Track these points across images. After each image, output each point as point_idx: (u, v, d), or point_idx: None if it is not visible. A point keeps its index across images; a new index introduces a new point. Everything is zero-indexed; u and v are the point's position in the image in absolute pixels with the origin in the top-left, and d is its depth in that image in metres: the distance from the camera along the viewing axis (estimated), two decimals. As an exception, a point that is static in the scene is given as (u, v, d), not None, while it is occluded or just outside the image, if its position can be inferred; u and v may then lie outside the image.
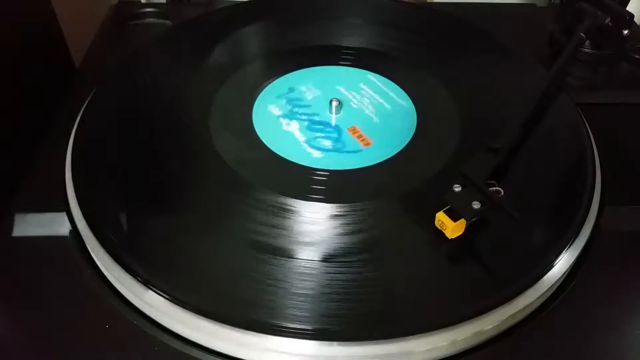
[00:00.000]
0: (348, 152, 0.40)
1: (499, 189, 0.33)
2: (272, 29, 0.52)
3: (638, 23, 0.54)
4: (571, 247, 0.33)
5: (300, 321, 0.29)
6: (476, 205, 0.32)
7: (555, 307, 0.33)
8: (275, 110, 0.43)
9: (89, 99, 0.43)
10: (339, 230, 0.34)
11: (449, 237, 0.32)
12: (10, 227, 0.36)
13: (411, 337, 0.29)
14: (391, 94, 0.45)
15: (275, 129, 0.41)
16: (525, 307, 0.31)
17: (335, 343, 0.29)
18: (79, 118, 0.41)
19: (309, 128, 0.42)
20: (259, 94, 0.45)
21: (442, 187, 0.33)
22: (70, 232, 0.36)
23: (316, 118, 0.43)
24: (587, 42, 0.50)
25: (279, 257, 0.32)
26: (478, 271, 0.32)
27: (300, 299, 0.30)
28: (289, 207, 0.35)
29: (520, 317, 0.32)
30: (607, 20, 0.49)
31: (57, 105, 0.45)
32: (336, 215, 0.35)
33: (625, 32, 0.49)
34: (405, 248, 0.33)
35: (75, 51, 0.53)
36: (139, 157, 0.39)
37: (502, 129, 0.37)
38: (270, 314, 0.29)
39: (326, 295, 0.30)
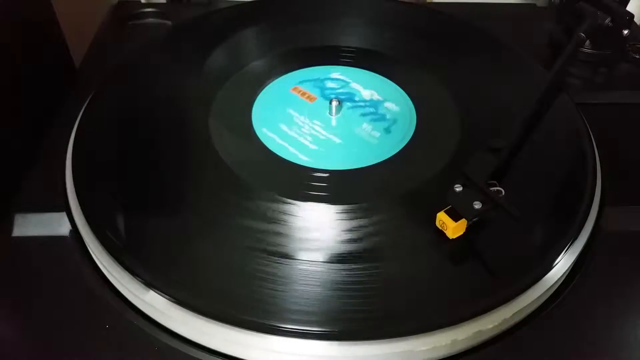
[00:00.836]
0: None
1: (500, 189, 0.33)
2: (272, 29, 0.52)
3: (638, 23, 0.54)
4: (571, 247, 0.33)
5: (300, 321, 0.29)
6: (477, 205, 0.32)
7: (555, 307, 0.33)
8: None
9: (89, 99, 0.43)
10: (339, 231, 0.34)
11: (450, 237, 0.32)
12: (10, 227, 0.36)
13: (411, 337, 0.29)
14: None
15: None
16: (525, 307, 0.31)
17: (335, 343, 0.29)
18: (79, 118, 0.41)
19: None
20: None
21: (442, 187, 0.33)
22: (70, 232, 0.36)
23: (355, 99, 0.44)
24: (587, 42, 0.50)
25: (278, 258, 0.32)
26: (478, 271, 0.32)
27: (300, 299, 0.30)
28: (288, 207, 0.35)
29: (520, 317, 0.32)
30: (607, 20, 0.49)
31: (57, 105, 0.45)
32: (336, 216, 0.35)
33: (625, 32, 0.49)
34: (405, 248, 0.33)
35: (75, 51, 0.53)
36: (139, 157, 0.39)
37: (503, 129, 0.37)
38: (270, 314, 0.29)
39: (326, 295, 0.30)
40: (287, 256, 0.32)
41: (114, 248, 0.33)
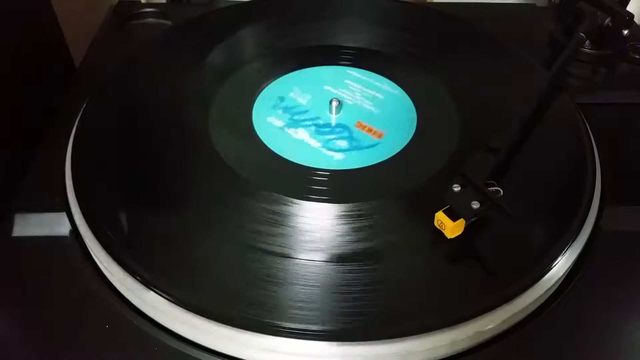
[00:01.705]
0: (366, 147, 0.40)
1: (498, 188, 0.33)
2: (271, 29, 0.52)
3: (638, 23, 0.54)
4: (571, 247, 0.33)
5: (300, 321, 0.29)
6: (475, 205, 0.32)
7: (555, 307, 0.33)
8: (277, 122, 0.42)
9: (89, 99, 0.43)
10: (339, 231, 0.34)
11: (448, 237, 0.32)
12: (10, 227, 0.36)
13: (411, 337, 0.29)
14: (376, 83, 0.46)
15: (285, 140, 0.41)
16: (525, 307, 0.31)
17: (335, 343, 0.29)
18: (79, 118, 0.41)
19: (318, 132, 0.41)
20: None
21: (442, 187, 0.33)
22: (70, 232, 0.36)
23: (320, 122, 0.43)
24: (587, 42, 0.50)
25: (279, 257, 0.32)
26: (478, 271, 0.32)
27: (300, 299, 0.30)
28: (288, 207, 0.35)
29: (520, 317, 0.32)
30: (607, 20, 0.49)
31: (57, 105, 0.45)
32: (336, 216, 0.35)
33: (625, 32, 0.49)
34: (404, 248, 0.33)
35: (75, 51, 0.54)
36: (139, 157, 0.39)
37: (502, 128, 0.37)
38: (270, 314, 0.29)
39: (326, 295, 0.30)
40: (287, 256, 0.32)
41: (114, 248, 0.33)
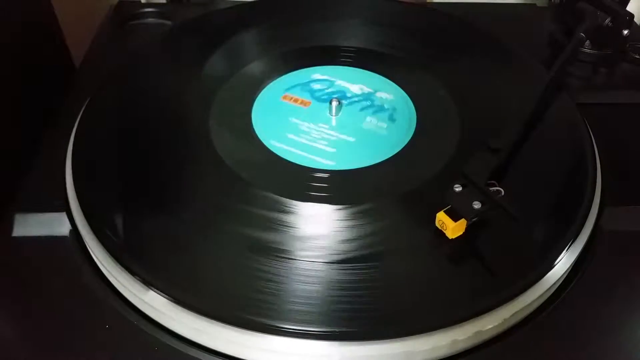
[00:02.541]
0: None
1: (499, 189, 0.33)
2: (272, 29, 0.52)
3: (638, 23, 0.54)
4: (571, 247, 0.33)
5: (300, 322, 0.29)
6: (477, 205, 0.32)
7: (556, 307, 0.32)
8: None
9: (89, 99, 0.43)
10: (339, 231, 0.34)
11: (450, 237, 0.32)
12: (10, 227, 0.36)
13: (411, 337, 0.29)
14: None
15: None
16: (525, 307, 0.31)
17: (335, 343, 0.29)
18: (79, 118, 0.41)
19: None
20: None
21: (442, 187, 0.33)
22: (70, 232, 0.36)
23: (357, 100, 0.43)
24: (587, 42, 0.50)
25: (279, 258, 0.32)
26: (478, 271, 0.32)
27: (300, 299, 0.30)
28: (288, 208, 0.35)
29: (520, 317, 0.32)
30: (607, 20, 0.49)
31: (57, 105, 0.45)
32: (336, 216, 0.35)
33: (625, 32, 0.49)
34: (405, 248, 0.33)
35: (75, 51, 0.54)
36: (139, 157, 0.39)
37: (502, 129, 0.37)
38: (270, 314, 0.29)
39: (326, 295, 0.30)
40: (287, 256, 0.32)
41: (114, 248, 0.33)
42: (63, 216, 0.36)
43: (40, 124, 0.43)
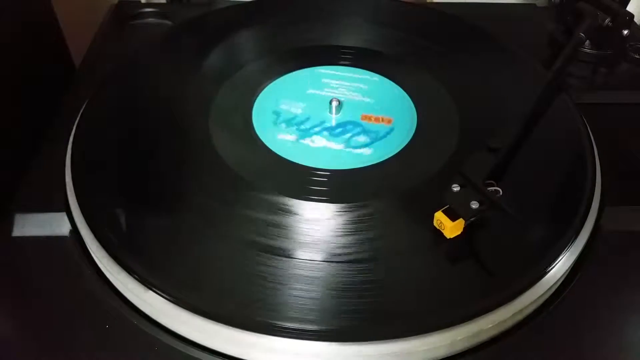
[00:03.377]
0: (385, 135, 0.41)
1: (497, 188, 0.33)
2: (272, 29, 0.52)
3: (638, 23, 0.54)
4: (571, 247, 0.33)
5: (300, 321, 0.29)
6: (475, 205, 0.32)
7: (555, 307, 0.32)
8: (288, 137, 0.41)
9: (89, 99, 0.43)
10: (339, 231, 0.34)
11: (448, 237, 0.32)
12: (10, 227, 0.36)
13: (411, 337, 0.29)
14: (353, 75, 0.46)
15: (306, 151, 0.40)
16: (525, 307, 0.31)
17: (335, 343, 0.29)
18: (79, 118, 0.41)
19: (333, 135, 0.41)
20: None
21: (441, 187, 0.33)
22: (70, 232, 0.36)
23: (327, 125, 0.42)
24: (587, 42, 0.50)
25: (279, 257, 0.32)
26: (478, 271, 0.32)
27: (300, 299, 0.30)
28: (288, 207, 0.35)
29: (520, 317, 0.32)
30: (607, 20, 0.49)
31: (57, 105, 0.45)
32: (335, 216, 0.35)
33: (625, 32, 0.49)
34: (404, 248, 0.33)
35: (75, 51, 0.54)
36: (139, 157, 0.39)
37: (502, 129, 0.37)
38: (270, 314, 0.29)
39: (326, 295, 0.30)
40: (287, 256, 0.32)
41: (113, 248, 0.33)
42: (63, 216, 0.36)
43: (40, 124, 0.43)
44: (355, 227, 0.34)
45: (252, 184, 0.36)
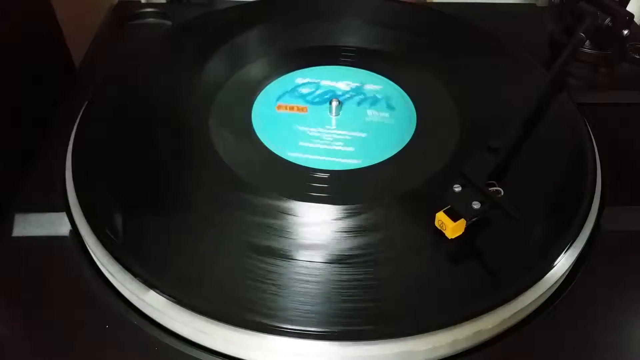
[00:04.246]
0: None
1: (498, 189, 0.33)
2: (271, 30, 0.52)
3: (638, 23, 0.54)
4: (571, 247, 0.33)
5: (300, 322, 0.29)
6: (476, 205, 0.32)
7: (555, 307, 0.33)
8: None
9: (89, 99, 0.43)
10: (339, 231, 0.34)
11: (449, 237, 0.32)
12: (10, 227, 0.36)
13: (411, 337, 0.29)
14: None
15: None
16: (525, 307, 0.31)
17: (335, 343, 0.29)
18: (79, 118, 0.41)
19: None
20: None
21: (442, 187, 0.33)
22: (70, 232, 0.36)
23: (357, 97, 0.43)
24: (587, 42, 0.50)
25: (279, 258, 0.32)
26: (478, 271, 0.32)
27: (300, 299, 0.30)
28: (288, 208, 0.35)
29: (520, 317, 0.32)
30: (607, 20, 0.49)
31: (57, 105, 0.45)
32: (335, 216, 0.35)
33: (625, 32, 0.49)
34: (405, 248, 0.33)
35: (75, 51, 0.53)
36: (139, 157, 0.39)
37: (502, 129, 0.37)
38: (270, 314, 0.29)
39: (326, 295, 0.30)
40: (287, 256, 0.32)
41: (113, 248, 0.33)
42: (63, 216, 0.36)
43: (40, 124, 0.43)
44: (356, 227, 0.34)
45: (252, 184, 0.36)
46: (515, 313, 0.31)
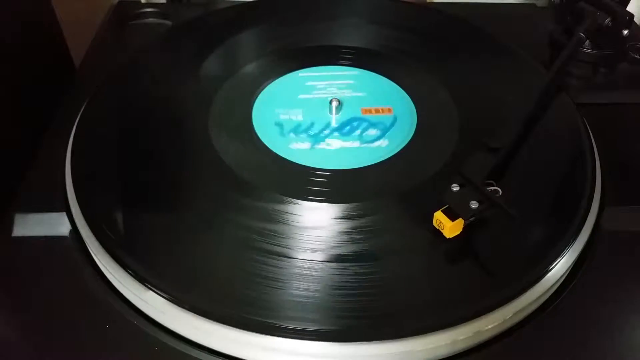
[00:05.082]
0: (392, 124, 0.42)
1: (497, 188, 0.33)
2: (271, 30, 0.52)
3: (638, 23, 0.54)
4: (571, 247, 0.33)
5: (299, 321, 0.29)
6: (474, 204, 0.32)
7: (555, 307, 0.32)
8: (302, 145, 0.40)
9: (88, 99, 0.43)
10: (338, 231, 0.34)
11: (447, 237, 0.32)
12: (10, 227, 0.36)
13: (411, 337, 0.29)
14: (335, 73, 0.47)
15: (326, 156, 0.39)
16: (525, 307, 0.31)
17: (335, 343, 0.29)
18: (78, 118, 0.41)
19: (344, 134, 0.41)
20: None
21: (441, 186, 0.33)
22: (70, 232, 0.36)
23: (334, 125, 0.42)
24: (587, 42, 0.50)
25: (279, 258, 0.32)
26: (477, 271, 0.32)
27: (300, 299, 0.30)
28: (288, 207, 0.35)
29: (520, 317, 0.32)
30: (607, 20, 0.49)
31: (57, 105, 0.45)
32: (335, 215, 0.35)
33: (625, 32, 0.49)
34: (403, 248, 0.33)
35: (75, 51, 0.54)
36: (139, 157, 0.39)
37: (502, 128, 0.37)
38: (270, 314, 0.29)
39: (326, 295, 0.30)
40: (287, 256, 0.32)
41: (113, 248, 0.33)
42: (63, 216, 0.36)
43: (40, 124, 0.43)
44: (355, 227, 0.34)
45: (252, 184, 0.36)
46: (515, 313, 0.31)
